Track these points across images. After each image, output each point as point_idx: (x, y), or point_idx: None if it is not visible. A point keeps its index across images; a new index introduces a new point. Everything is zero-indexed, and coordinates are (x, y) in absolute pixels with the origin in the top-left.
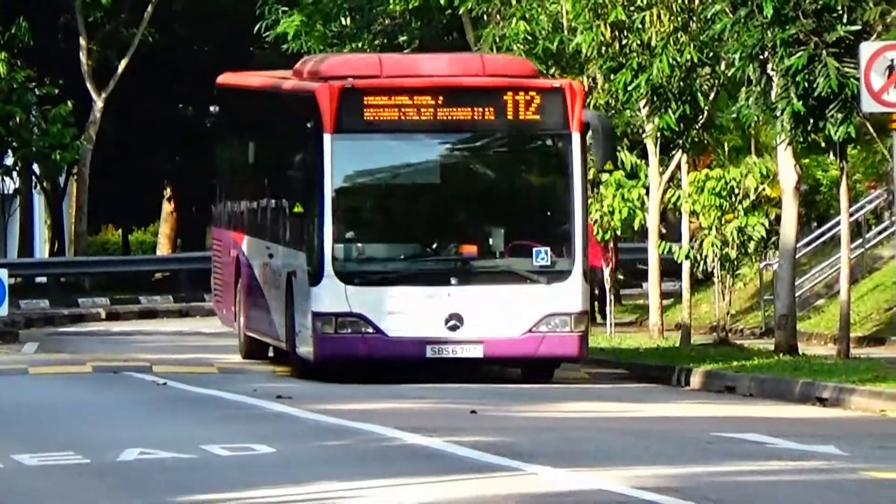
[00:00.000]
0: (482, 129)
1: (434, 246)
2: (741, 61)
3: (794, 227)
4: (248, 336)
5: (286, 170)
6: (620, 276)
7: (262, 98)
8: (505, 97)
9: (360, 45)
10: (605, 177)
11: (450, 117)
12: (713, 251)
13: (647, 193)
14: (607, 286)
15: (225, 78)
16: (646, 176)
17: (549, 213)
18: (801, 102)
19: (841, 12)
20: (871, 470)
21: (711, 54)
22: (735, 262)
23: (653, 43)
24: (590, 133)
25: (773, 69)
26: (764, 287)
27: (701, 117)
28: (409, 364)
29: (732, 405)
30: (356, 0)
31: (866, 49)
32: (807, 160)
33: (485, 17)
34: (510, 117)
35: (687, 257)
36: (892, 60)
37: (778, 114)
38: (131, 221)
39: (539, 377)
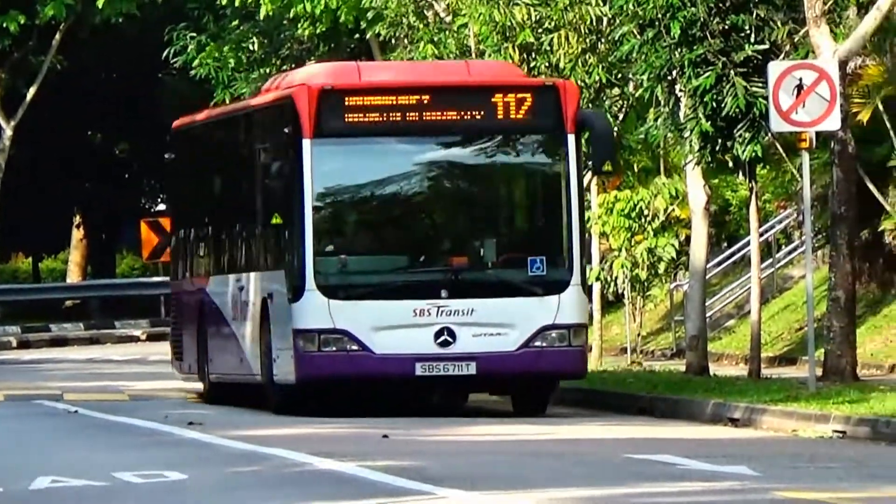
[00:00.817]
0: (472, 132)
1: (422, 257)
2: (649, 82)
3: (704, 248)
4: (214, 384)
5: (262, 184)
6: None
7: (230, 124)
8: (495, 97)
9: (268, 70)
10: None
11: (437, 119)
12: (623, 272)
13: None
14: None
15: (181, 121)
16: None
17: (544, 220)
18: (709, 122)
19: (749, 32)
20: (783, 490)
21: (620, 75)
22: (645, 284)
23: (561, 65)
24: (587, 133)
25: (681, 90)
26: (674, 308)
27: None
28: (398, 383)
29: (645, 426)
30: (264, 25)
31: (774, 68)
32: (716, 180)
33: (393, 42)
34: (501, 118)
35: (597, 279)
36: (800, 79)
37: (686, 134)
38: (41, 249)
39: (532, 407)
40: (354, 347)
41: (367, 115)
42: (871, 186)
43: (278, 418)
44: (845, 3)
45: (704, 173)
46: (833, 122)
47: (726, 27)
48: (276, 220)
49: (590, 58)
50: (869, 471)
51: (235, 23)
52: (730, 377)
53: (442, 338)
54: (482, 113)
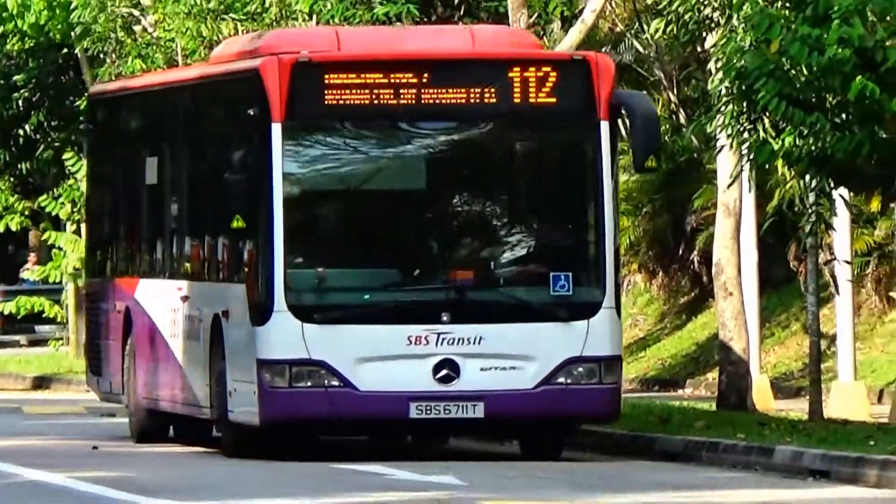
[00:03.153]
0: (481, 117)
1: (419, 272)
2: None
3: None
4: (143, 409)
5: (218, 176)
6: None
7: (174, 95)
8: (511, 74)
9: None
10: None
11: (438, 101)
12: None
13: None
14: None
15: (102, 87)
16: None
17: (570, 228)
18: None
19: None
20: (490, 500)
21: None
22: None
23: None
24: (629, 120)
25: None
26: None
27: None
28: (388, 427)
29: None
30: None
31: None
32: None
33: (101, 56)
34: (517, 101)
35: None
36: None
37: None
38: None
39: (545, 452)
40: (334, 383)
41: (351, 94)
42: None
43: None
44: (550, 16)
45: None
46: None
47: None
48: (237, 223)
49: None
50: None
51: None
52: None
53: (443, 372)
54: (495, 93)
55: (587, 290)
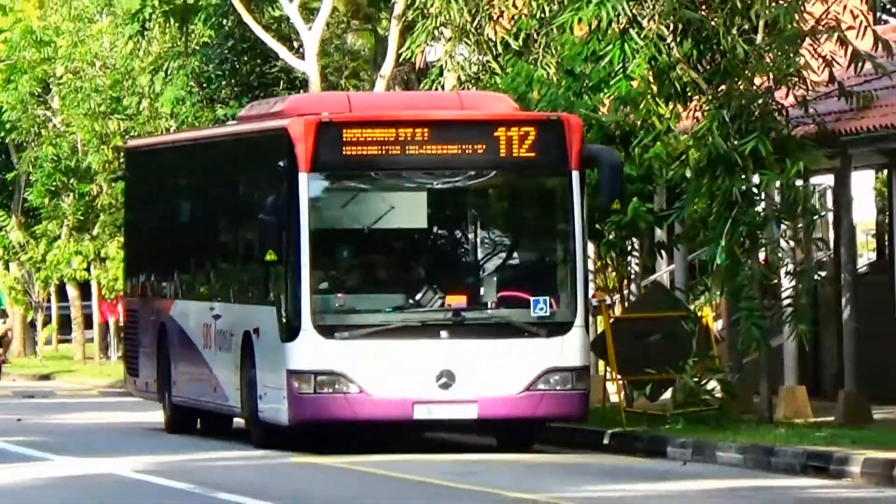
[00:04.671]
0: (473, 167)
1: (422, 296)
2: None
3: None
4: (177, 406)
5: (248, 216)
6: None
7: (209, 149)
8: (497, 132)
9: None
10: None
11: (438, 154)
12: None
13: None
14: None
15: (137, 142)
16: None
17: (547, 259)
18: None
19: None
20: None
21: None
22: None
23: None
24: (596, 168)
25: None
26: None
27: None
28: (396, 426)
29: None
30: None
31: None
32: None
33: (24, 144)
34: (504, 154)
35: None
36: None
37: None
38: None
39: (519, 446)
40: (352, 389)
41: (366, 148)
42: None
43: None
44: None
45: None
46: None
47: None
48: (270, 256)
49: None
50: None
51: None
52: None
53: (442, 380)
54: (484, 147)
55: (561, 311)
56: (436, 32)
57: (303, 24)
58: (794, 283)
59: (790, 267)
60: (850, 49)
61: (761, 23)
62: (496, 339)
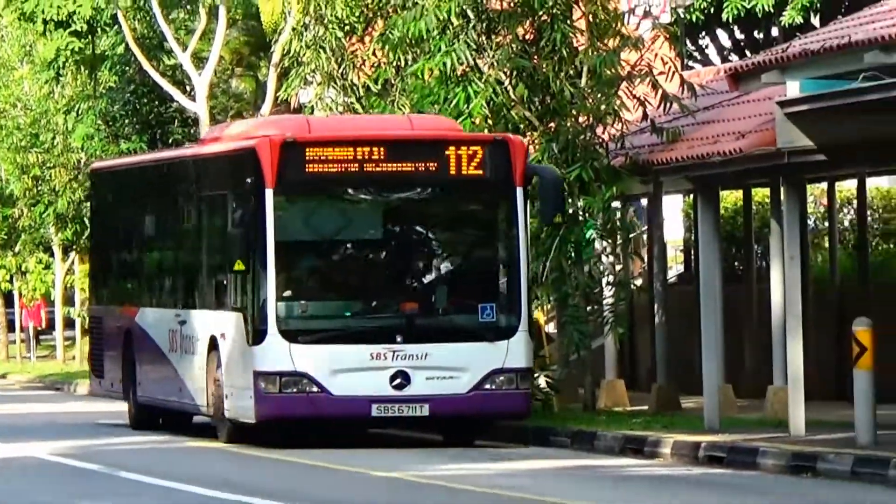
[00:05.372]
0: (425, 184)
1: (379, 303)
2: None
3: None
4: (142, 404)
5: (215, 228)
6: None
7: (175, 168)
8: (448, 151)
9: None
10: None
11: (392, 171)
12: None
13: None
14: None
15: (102, 164)
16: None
17: (493, 269)
18: None
19: None
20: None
21: None
22: None
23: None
24: (538, 186)
25: None
26: None
27: None
28: (354, 423)
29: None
30: None
31: None
32: None
33: None
34: (454, 171)
35: (78, 315)
36: None
37: None
38: None
39: (463, 441)
40: (314, 389)
41: (327, 166)
42: None
43: None
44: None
45: None
46: None
47: None
48: (238, 266)
49: None
50: None
51: None
52: None
53: (397, 381)
54: (436, 165)
55: (506, 317)
56: (308, 78)
57: (194, 71)
58: (613, 292)
59: (610, 278)
60: (660, 91)
61: (584, 69)
62: (446, 342)
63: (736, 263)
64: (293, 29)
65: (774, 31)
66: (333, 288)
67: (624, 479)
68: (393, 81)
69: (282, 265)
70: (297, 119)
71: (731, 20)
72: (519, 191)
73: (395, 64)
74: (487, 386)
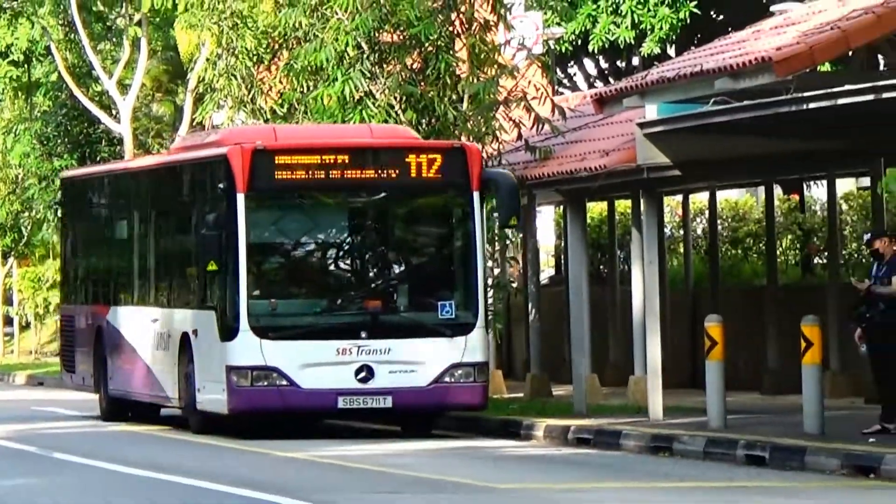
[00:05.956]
0: (388, 188)
1: (345, 301)
2: None
3: None
4: (113, 398)
5: (187, 231)
6: None
7: (145, 174)
8: (408, 157)
9: None
10: None
11: (357, 177)
12: None
13: None
14: None
15: (72, 172)
16: None
17: (452, 269)
18: None
19: None
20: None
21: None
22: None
23: None
24: (494, 190)
25: None
26: None
27: None
28: (322, 415)
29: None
30: None
31: None
32: None
33: None
34: (414, 176)
35: (17, 314)
36: None
37: None
38: None
39: (419, 432)
40: (283, 383)
41: (295, 172)
42: None
43: None
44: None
45: None
46: None
47: None
48: (212, 266)
49: None
50: None
51: None
52: None
53: (362, 374)
54: (397, 171)
55: (464, 314)
56: (220, 102)
57: (119, 96)
58: (493, 293)
59: (490, 280)
60: (533, 114)
61: (466, 95)
62: (408, 338)
63: (601, 267)
64: (207, 59)
65: (635, 61)
66: (302, 287)
67: (502, 458)
68: (296, 106)
69: (253, 265)
70: (264, 128)
71: (596, 51)
72: (475, 195)
73: (298, 90)
74: (447, 379)
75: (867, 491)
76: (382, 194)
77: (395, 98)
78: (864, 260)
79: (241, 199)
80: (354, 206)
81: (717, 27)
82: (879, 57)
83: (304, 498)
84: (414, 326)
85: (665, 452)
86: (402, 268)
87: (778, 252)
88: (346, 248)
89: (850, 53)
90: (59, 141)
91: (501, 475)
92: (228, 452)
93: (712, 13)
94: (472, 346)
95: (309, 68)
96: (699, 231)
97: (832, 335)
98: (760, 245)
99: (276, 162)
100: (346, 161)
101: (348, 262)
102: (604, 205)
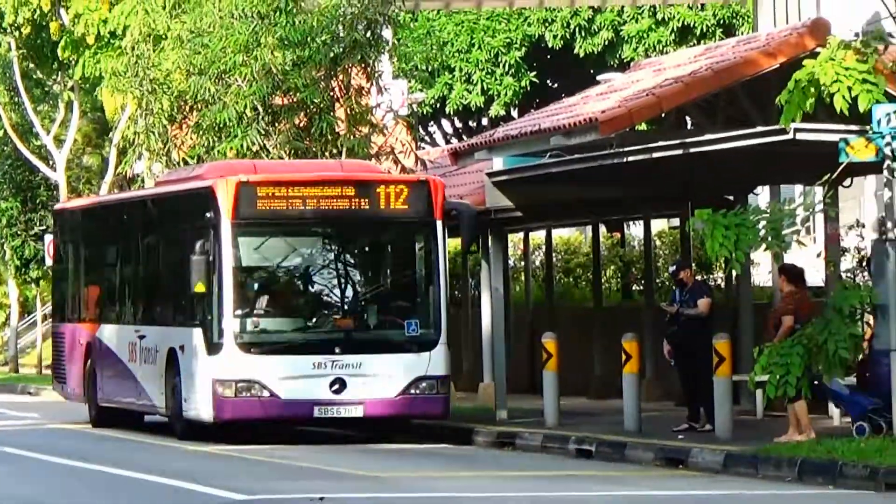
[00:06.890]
0: (359, 217)
1: (320, 320)
2: None
3: None
4: (102, 407)
5: (175, 256)
6: None
7: (134, 206)
8: (378, 190)
9: None
10: None
11: (332, 207)
12: None
13: None
14: None
15: (63, 205)
16: None
17: (417, 291)
18: None
19: None
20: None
21: None
22: None
23: None
24: (458, 220)
25: None
26: None
27: None
28: (299, 422)
29: None
30: None
31: None
32: None
33: None
34: (383, 206)
35: None
36: None
37: None
38: None
39: (384, 438)
40: (264, 394)
41: (276, 202)
42: None
43: None
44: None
45: None
46: None
47: None
48: (199, 288)
49: None
50: None
51: None
52: None
53: (335, 386)
54: (368, 202)
55: (428, 332)
56: (141, 154)
57: (55, 149)
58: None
59: None
60: (400, 166)
61: (344, 149)
62: (378, 353)
63: (457, 292)
64: (129, 118)
65: (484, 121)
66: (282, 307)
67: (371, 452)
68: (204, 158)
69: (238, 287)
70: (245, 163)
71: (452, 112)
72: (439, 224)
73: (205, 145)
74: (413, 391)
75: (677, 479)
76: (355, 222)
77: (286, 152)
78: (673, 287)
79: (227, 226)
80: (329, 233)
81: (553, 93)
82: (687, 118)
83: (208, 484)
84: (383, 343)
85: (509, 447)
86: (372, 289)
87: (603, 280)
88: (322, 271)
89: (663, 115)
90: (3, 186)
91: (368, 464)
92: (174, 452)
93: (549, 81)
94: (436, 361)
95: (214, 126)
96: (538, 262)
97: (647, 349)
98: (588, 274)
99: (259, 193)
100: (323, 193)
101: (323, 284)
102: (457, 241)
